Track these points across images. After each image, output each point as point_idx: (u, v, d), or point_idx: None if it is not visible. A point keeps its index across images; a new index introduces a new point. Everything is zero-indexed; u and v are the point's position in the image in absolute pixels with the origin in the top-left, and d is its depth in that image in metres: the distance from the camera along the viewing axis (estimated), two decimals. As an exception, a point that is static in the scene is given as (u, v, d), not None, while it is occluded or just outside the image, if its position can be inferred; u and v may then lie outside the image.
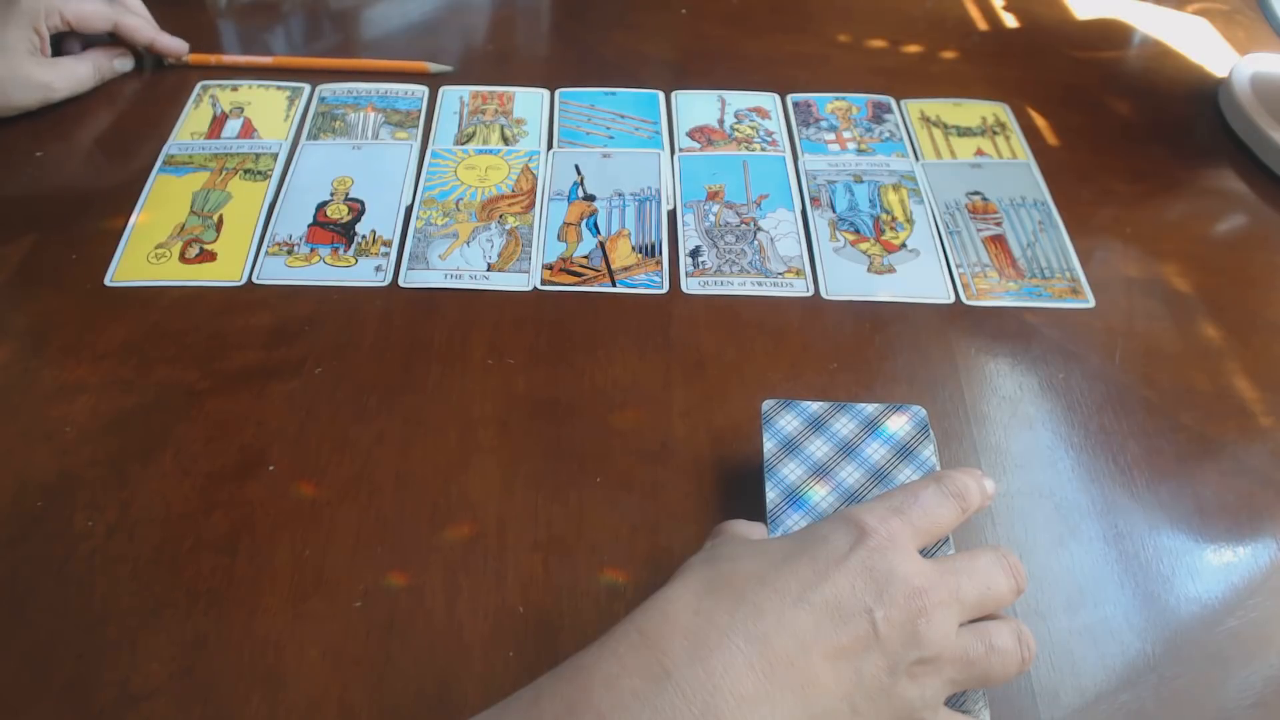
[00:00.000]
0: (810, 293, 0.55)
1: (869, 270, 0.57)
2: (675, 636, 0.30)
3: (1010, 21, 0.79)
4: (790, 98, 0.69)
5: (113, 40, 0.68)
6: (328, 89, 0.68)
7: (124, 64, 0.68)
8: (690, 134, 0.66)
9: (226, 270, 0.55)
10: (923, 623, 0.31)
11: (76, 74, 0.65)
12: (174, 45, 0.69)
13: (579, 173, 0.62)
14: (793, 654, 0.29)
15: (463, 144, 0.64)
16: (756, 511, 0.41)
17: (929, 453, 0.42)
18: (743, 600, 0.30)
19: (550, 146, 0.64)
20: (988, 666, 0.33)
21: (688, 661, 0.29)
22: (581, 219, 0.59)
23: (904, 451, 0.42)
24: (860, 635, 0.30)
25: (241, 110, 0.66)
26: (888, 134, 0.66)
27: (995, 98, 0.70)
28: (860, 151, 0.65)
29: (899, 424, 0.43)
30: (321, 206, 0.59)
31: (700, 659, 0.29)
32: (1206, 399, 0.51)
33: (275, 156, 0.62)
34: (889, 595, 0.31)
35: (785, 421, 0.43)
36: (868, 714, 0.30)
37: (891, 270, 0.57)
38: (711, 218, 0.60)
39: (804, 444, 0.42)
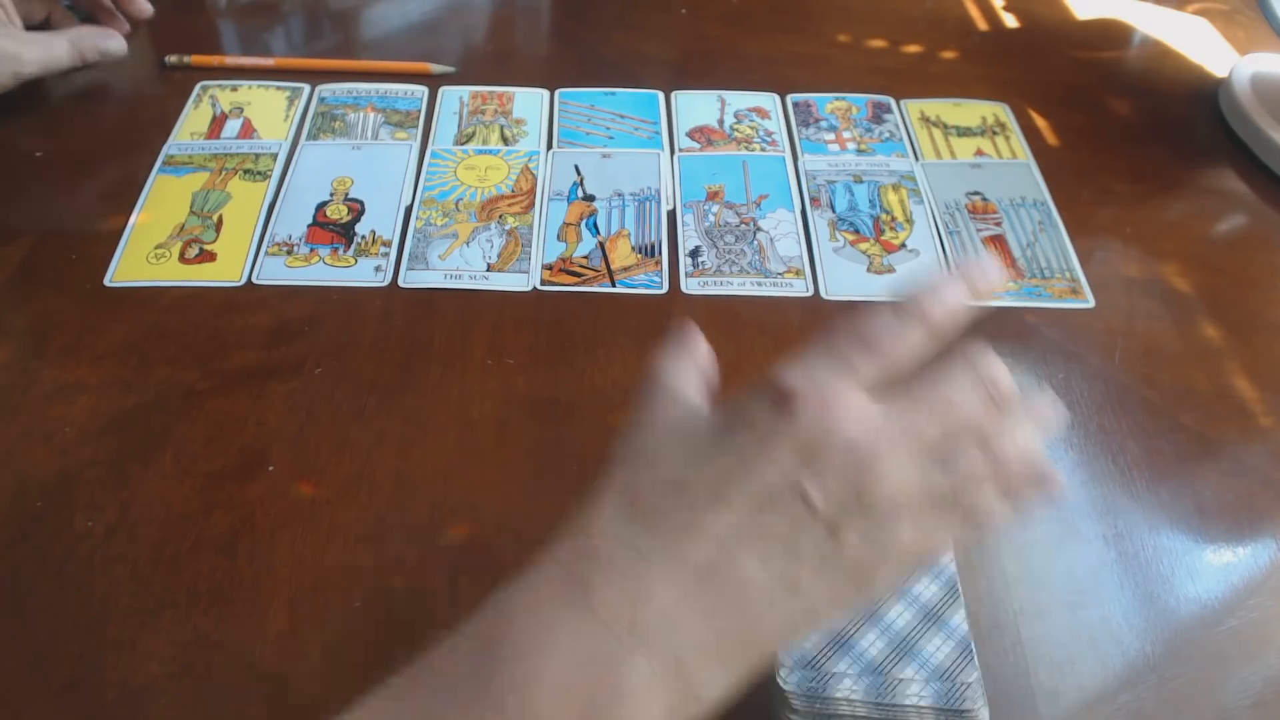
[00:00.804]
0: (810, 293, 0.55)
1: (869, 270, 0.57)
2: (593, 561, 0.28)
3: (1010, 21, 0.79)
4: (790, 98, 0.69)
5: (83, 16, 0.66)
6: (327, 89, 0.68)
7: (112, 45, 0.64)
8: (690, 134, 0.66)
9: (226, 270, 0.55)
10: (869, 482, 0.27)
11: (51, 49, 0.62)
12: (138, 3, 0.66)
13: (579, 173, 0.62)
14: (715, 560, 0.27)
15: (462, 144, 0.64)
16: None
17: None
18: (657, 512, 0.28)
19: (550, 147, 0.64)
20: (968, 504, 0.28)
21: (605, 584, 0.27)
22: (581, 219, 0.59)
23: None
24: (791, 517, 0.27)
25: (241, 110, 0.66)
26: (887, 134, 0.66)
27: (995, 98, 0.70)
28: (860, 151, 0.65)
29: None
30: (321, 207, 0.59)
31: (618, 581, 0.27)
32: (1206, 399, 0.51)
33: (275, 157, 0.62)
34: (823, 462, 0.27)
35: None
36: (814, 588, 0.27)
37: (891, 270, 0.57)
38: (711, 218, 0.60)
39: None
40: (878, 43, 0.76)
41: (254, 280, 0.54)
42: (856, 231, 0.59)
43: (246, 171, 0.61)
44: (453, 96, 0.68)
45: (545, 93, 0.69)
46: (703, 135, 0.66)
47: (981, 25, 0.78)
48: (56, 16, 0.67)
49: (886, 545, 0.27)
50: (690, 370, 0.34)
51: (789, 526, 0.27)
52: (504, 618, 0.28)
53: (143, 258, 0.55)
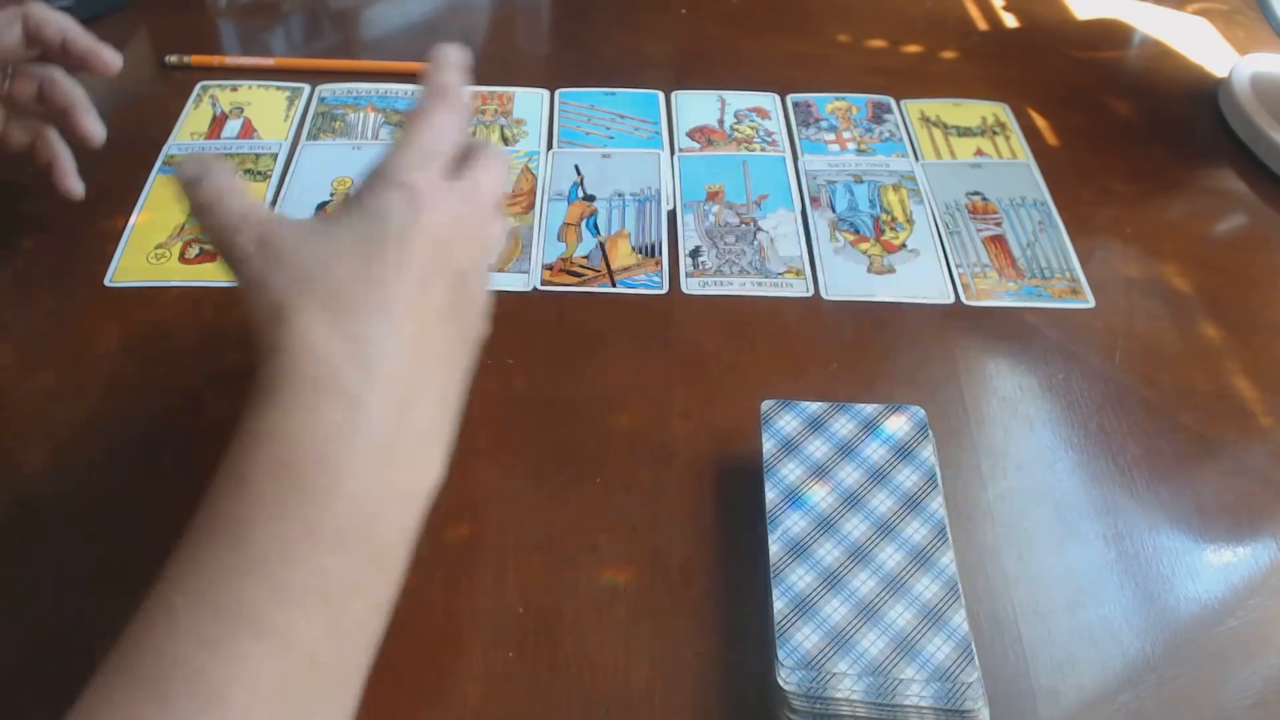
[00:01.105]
0: (810, 293, 0.55)
1: (869, 270, 0.57)
2: (309, 356, 0.30)
3: (1010, 21, 0.79)
4: (790, 98, 0.69)
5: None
6: (327, 89, 0.68)
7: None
8: (690, 134, 0.66)
9: (226, 271, 0.55)
10: (475, 243, 0.35)
11: None
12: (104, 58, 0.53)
13: (579, 173, 0.62)
14: (413, 333, 0.32)
15: (463, 144, 0.64)
16: (756, 511, 0.41)
17: (928, 453, 0.42)
18: (354, 310, 0.31)
19: (550, 147, 0.64)
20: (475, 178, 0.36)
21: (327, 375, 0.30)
22: (581, 219, 0.59)
23: (903, 452, 0.42)
24: (440, 282, 0.33)
25: (241, 110, 0.66)
26: (887, 134, 0.66)
27: (995, 98, 0.70)
28: (860, 152, 0.65)
29: (898, 424, 0.43)
30: (321, 207, 0.59)
31: (336, 378, 0.30)
32: (1206, 399, 0.51)
33: (275, 157, 0.62)
34: (443, 235, 0.33)
35: (785, 422, 0.43)
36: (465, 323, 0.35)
37: (891, 270, 0.57)
38: (711, 218, 0.60)
39: (803, 444, 0.42)
40: (878, 43, 0.76)
41: (254, 280, 0.54)
42: (857, 231, 0.59)
43: (247, 171, 0.61)
44: (453, 96, 0.68)
45: (545, 93, 0.69)
46: (703, 135, 0.66)
47: (981, 25, 0.78)
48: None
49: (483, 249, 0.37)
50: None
51: (441, 289, 0.33)
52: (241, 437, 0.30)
53: (143, 258, 0.55)
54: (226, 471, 0.29)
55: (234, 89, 0.68)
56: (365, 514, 0.30)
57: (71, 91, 0.52)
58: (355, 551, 0.29)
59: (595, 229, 0.59)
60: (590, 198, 0.61)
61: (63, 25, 0.51)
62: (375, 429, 0.30)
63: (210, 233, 0.35)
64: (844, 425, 0.43)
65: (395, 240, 0.32)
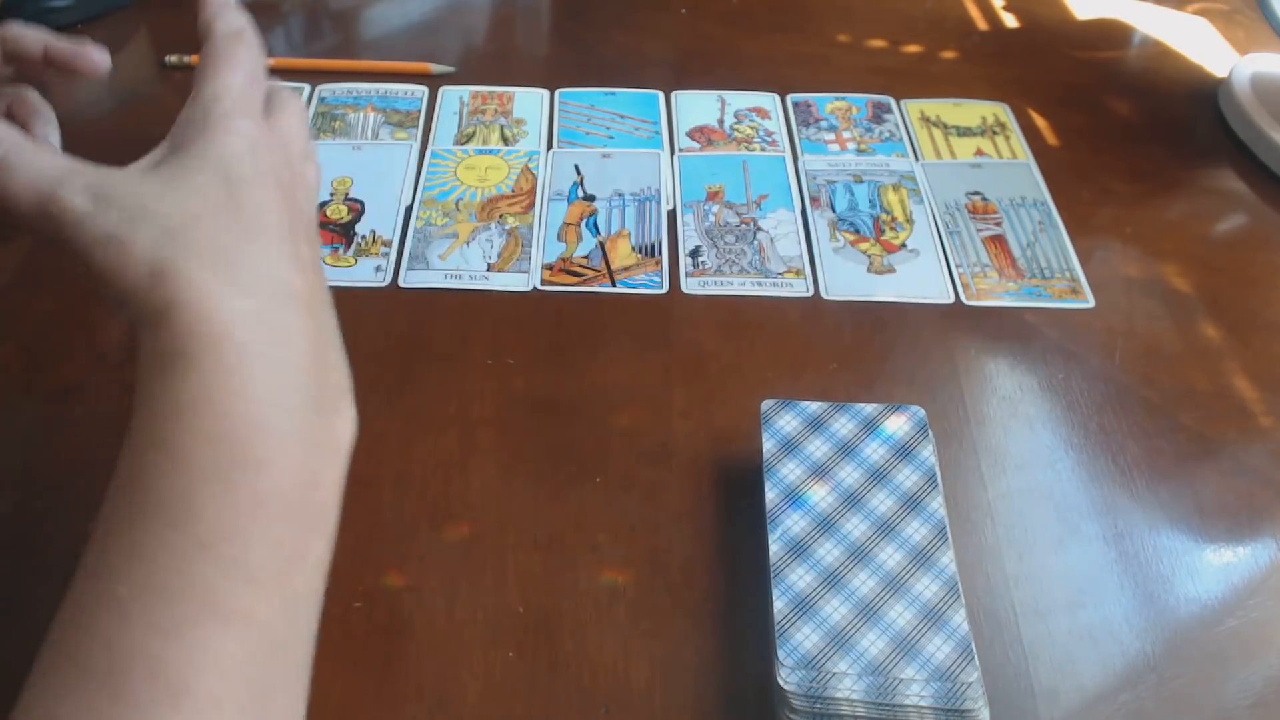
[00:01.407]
0: (810, 293, 0.55)
1: (869, 270, 0.57)
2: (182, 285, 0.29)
3: (1010, 21, 0.79)
4: (790, 98, 0.69)
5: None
6: (327, 89, 0.68)
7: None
8: (690, 134, 0.66)
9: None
10: (294, 148, 0.34)
11: None
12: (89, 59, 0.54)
13: (579, 173, 0.62)
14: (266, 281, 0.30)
15: (462, 144, 0.64)
16: (756, 511, 0.41)
17: (928, 453, 0.42)
18: (227, 248, 0.30)
19: (550, 146, 0.64)
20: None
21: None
22: (581, 219, 0.59)
23: (903, 451, 0.42)
24: (269, 191, 0.31)
25: (241, 110, 0.66)
26: (888, 134, 0.66)
27: (995, 98, 0.70)
28: (860, 151, 0.65)
29: (898, 424, 0.43)
30: (321, 207, 0.59)
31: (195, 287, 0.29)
32: (1206, 399, 0.51)
33: (275, 156, 0.62)
34: (265, 143, 0.32)
35: (785, 421, 0.43)
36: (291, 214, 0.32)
37: (891, 270, 0.57)
38: (711, 218, 0.60)
39: (803, 444, 0.42)
40: (878, 43, 0.76)
41: (254, 280, 0.54)
42: (857, 231, 0.59)
43: (246, 171, 0.61)
44: (453, 96, 0.68)
45: (545, 93, 0.69)
46: (703, 135, 0.66)
47: (981, 25, 0.78)
48: None
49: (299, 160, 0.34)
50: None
51: (301, 236, 0.32)
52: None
53: (143, 258, 0.55)
54: (151, 444, 0.28)
55: (234, 89, 0.68)
56: (305, 478, 0.29)
57: (36, 105, 0.50)
58: (300, 517, 0.28)
59: (595, 229, 0.59)
60: (590, 198, 0.61)
61: (40, 36, 0.50)
62: (299, 387, 0.29)
63: (9, 197, 0.31)
64: (844, 425, 0.43)
65: (251, 186, 0.31)
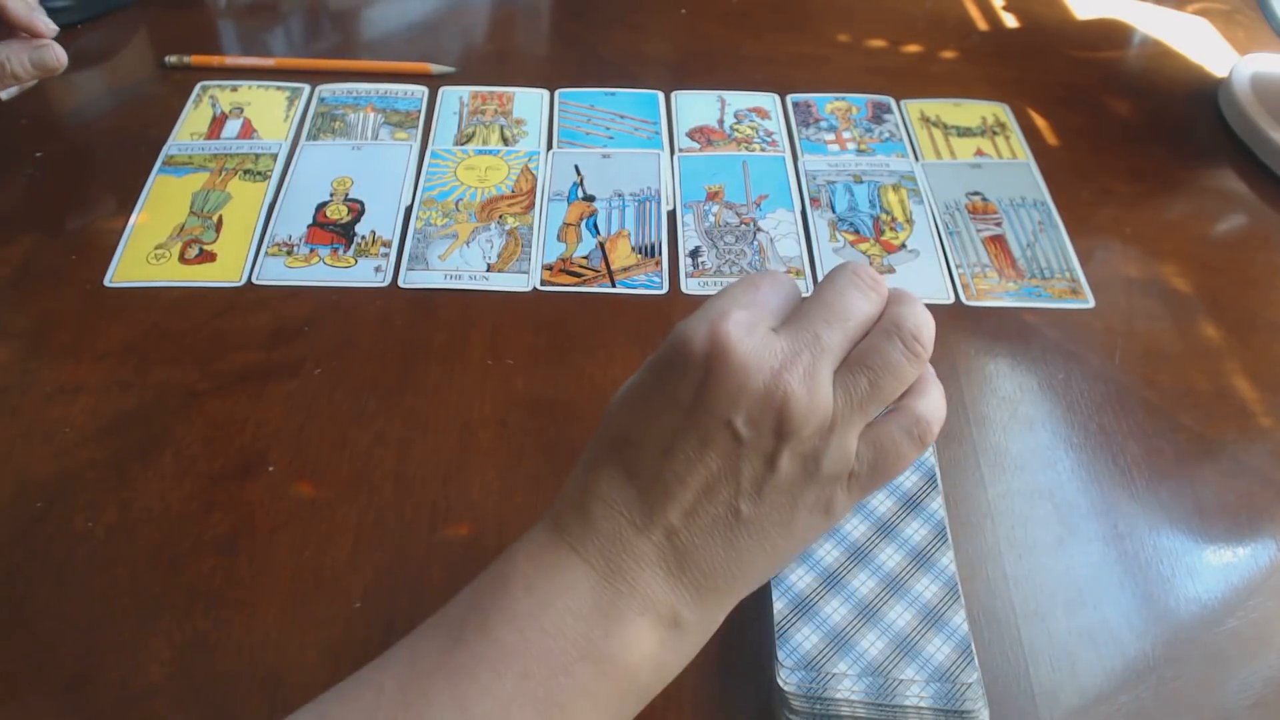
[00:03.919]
0: (810, 293, 0.55)
1: (869, 270, 0.57)
2: (584, 521, 0.30)
3: (1010, 21, 0.79)
4: (790, 98, 0.69)
5: None
6: (327, 89, 0.68)
7: (47, 56, 0.54)
8: (690, 134, 0.66)
9: (226, 271, 0.55)
10: (786, 402, 0.28)
11: None
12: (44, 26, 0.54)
13: (579, 173, 0.62)
14: (683, 520, 0.29)
15: (462, 144, 0.64)
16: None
17: (927, 453, 0.42)
18: (639, 478, 0.30)
19: (550, 147, 0.64)
20: (885, 390, 0.29)
21: (595, 539, 0.30)
22: (581, 219, 0.59)
23: (904, 452, 0.42)
24: (726, 453, 0.29)
25: (241, 110, 0.66)
26: (887, 134, 0.66)
27: (995, 98, 0.70)
28: (860, 152, 0.65)
29: (899, 424, 0.43)
30: (321, 207, 0.59)
31: (605, 538, 0.30)
32: (1206, 399, 0.51)
33: (275, 157, 0.62)
34: (745, 393, 0.28)
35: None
36: (767, 518, 0.29)
37: (891, 270, 0.57)
38: (711, 218, 0.60)
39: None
40: (878, 43, 0.76)
41: (254, 280, 0.54)
42: (856, 232, 0.59)
43: (246, 172, 0.61)
44: (453, 96, 0.68)
45: (545, 93, 0.69)
46: (703, 135, 0.66)
47: (981, 25, 0.78)
48: None
49: (824, 464, 0.29)
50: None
51: (728, 463, 0.29)
52: (502, 567, 0.31)
53: (143, 258, 0.55)
54: (515, 614, 0.29)
55: (234, 89, 0.68)
56: (638, 685, 0.30)
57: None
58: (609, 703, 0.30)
59: (595, 229, 0.58)
60: (590, 198, 0.61)
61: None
62: (683, 647, 0.30)
63: None
64: (844, 425, 0.43)
65: (672, 398, 0.30)
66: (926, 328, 0.30)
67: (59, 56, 0.54)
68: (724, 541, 0.29)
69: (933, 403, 0.31)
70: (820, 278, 0.56)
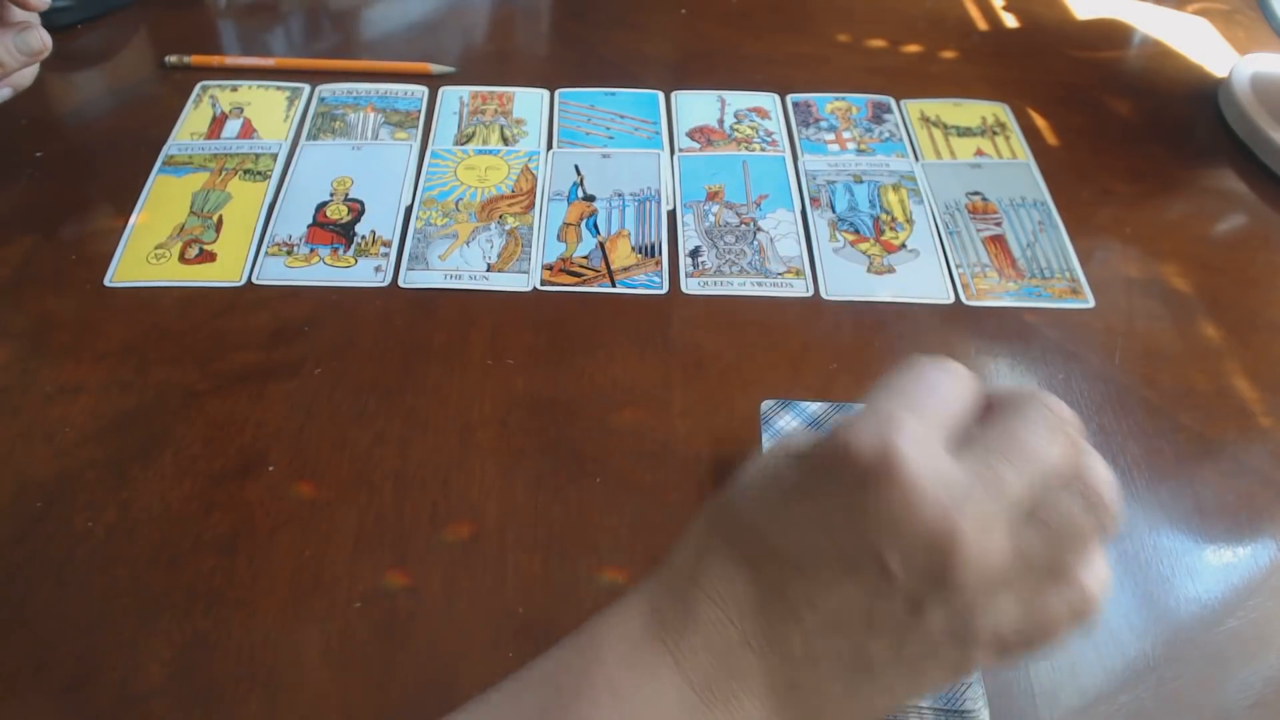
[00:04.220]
0: (810, 293, 0.55)
1: (869, 270, 0.57)
2: (688, 620, 0.26)
3: (1010, 21, 0.79)
4: (790, 98, 0.69)
5: None
6: (327, 89, 0.68)
7: (31, 40, 0.53)
8: (690, 134, 0.66)
9: (226, 271, 0.55)
10: (952, 547, 0.24)
11: None
12: None
13: (579, 173, 0.62)
14: (805, 648, 0.26)
15: (462, 144, 0.64)
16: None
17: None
18: (761, 593, 0.26)
19: (550, 147, 0.64)
20: (1062, 557, 0.25)
21: (696, 646, 0.26)
22: (581, 219, 0.59)
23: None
24: (869, 587, 0.25)
25: (241, 110, 0.66)
26: (887, 134, 0.66)
27: (995, 98, 0.70)
28: (860, 152, 0.65)
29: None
30: (321, 207, 0.59)
31: (709, 648, 0.26)
32: (1206, 399, 0.51)
33: (275, 157, 0.62)
34: (907, 525, 0.24)
35: (785, 422, 0.43)
36: (893, 667, 0.26)
37: (891, 270, 0.57)
38: (711, 218, 0.60)
39: (804, 444, 0.42)
40: (878, 43, 0.76)
41: (254, 280, 0.54)
42: (856, 231, 0.59)
43: (246, 172, 0.61)
44: (453, 96, 0.68)
45: (545, 93, 0.69)
46: (703, 135, 0.66)
47: (981, 25, 0.78)
48: None
49: (977, 625, 0.25)
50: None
51: (866, 600, 0.25)
52: (586, 654, 0.27)
53: (143, 258, 0.55)
54: (539, 663, 0.28)
55: (234, 89, 0.68)
56: None
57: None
58: None
59: (595, 229, 0.59)
60: (590, 198, 0.61)
61: None
62: (678, 689, 0.26)
63: None
64: (844, 425, 0.43)
65: (822, 507, 0.26)
66: (1114, 489, 0.26)
67: (44, 39, 0.53)
68: (843, 684, 0.26)
69: (1102, 578, 0.26)
70: (820, 278, 0.56)
